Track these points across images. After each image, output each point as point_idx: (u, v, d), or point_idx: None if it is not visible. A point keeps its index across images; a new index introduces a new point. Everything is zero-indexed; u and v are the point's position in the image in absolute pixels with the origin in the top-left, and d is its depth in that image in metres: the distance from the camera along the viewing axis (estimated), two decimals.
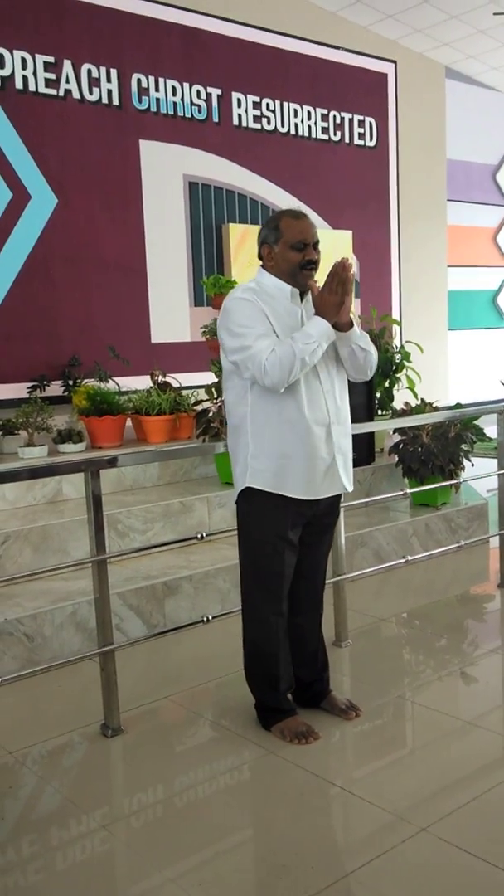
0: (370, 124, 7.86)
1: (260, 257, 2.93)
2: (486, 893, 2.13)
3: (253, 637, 3.01)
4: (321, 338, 2.73)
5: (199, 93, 6.57)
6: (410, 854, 2.29)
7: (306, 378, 2.79)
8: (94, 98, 5.99)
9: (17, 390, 5.61)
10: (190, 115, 6.54)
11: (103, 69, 6.02)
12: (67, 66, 5.84)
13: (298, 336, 2.72)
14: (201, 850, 2.37)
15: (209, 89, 6.63)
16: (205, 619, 3.36)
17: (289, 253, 2.82)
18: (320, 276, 2.85)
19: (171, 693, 3.41)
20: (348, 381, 3.03)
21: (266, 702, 3.03)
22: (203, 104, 6.60)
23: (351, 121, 7.68)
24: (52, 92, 5.79)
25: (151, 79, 6.28)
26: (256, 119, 6.96)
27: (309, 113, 7.33)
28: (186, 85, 6.49)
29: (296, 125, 7.25)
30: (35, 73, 5.68)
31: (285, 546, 2.89)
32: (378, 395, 6.11)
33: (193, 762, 2.87)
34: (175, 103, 6.43)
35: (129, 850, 2.42)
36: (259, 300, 2.81)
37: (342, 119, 7.60)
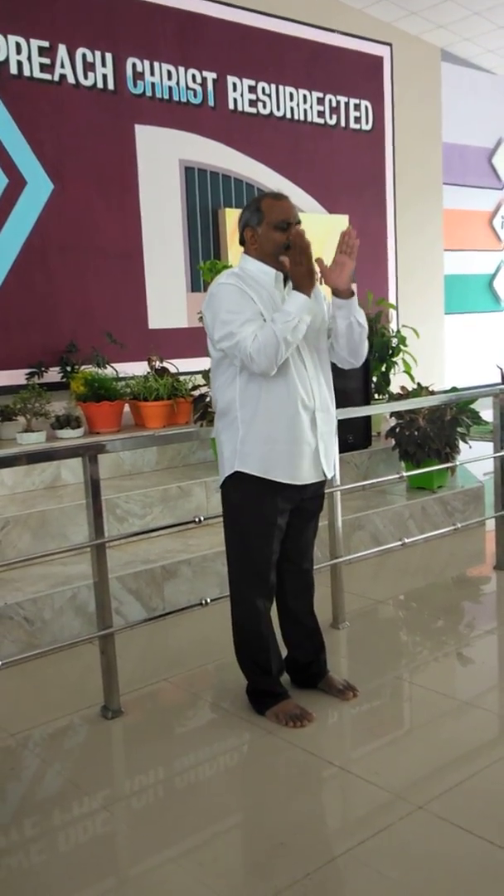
0: (366, 108, 7.84)
1: (242, 242, 2.92)
2: (482, 870, 2.16)
3: (241, 622, 3.02)
4: (301, 311, 2.72)
5: (194, 77, 6.54)
6: (407, 832, 2.32)
7: (294, 363, 2.80)
8: (89, 83, 5.97)
9: (16, 377, 5.62)
10: (186, 100, 6.51)
11: (98, 54, 5.99)
12: (62, 50, 5.81)
13: (278, 316, 2.71)
14: (201, 830, 2.40)
15: (205, 73, 6.60)
16: (203, 602, 3.39)
17: (272, 233, 2.82)
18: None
19: (170, 675, 3.45)
20: (343, 366, 3.03)
21: (258, 686, 3.05)
22: (199, 88, 6.58)
23: (347, 104, 7.66)
24: (47, 77, 5.76)
25: (147, 63, 6.25)
26: (252, 103, 6.93)
27: (305, 97, 7.30)
28: (182, 69, 6.46)
29: (292, 109, 7.22)
30: (30, 58, 5.66)
31: (273, 531, 2.91)
32: (375, 379, 6.13)
33: (193, 743, 2.91)
34: (171, 88, 6.41)
35: (129, 830, 2.45)
36: (244, 285, 2.81)
37: (338, 103, 7.58)
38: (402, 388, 5.67)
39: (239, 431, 2.84)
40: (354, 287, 2.96)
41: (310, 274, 2.74)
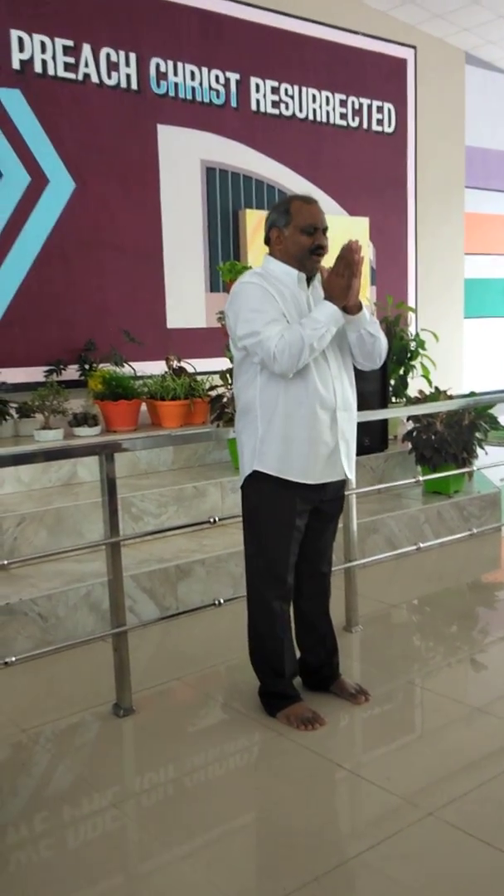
0: (389, 110, 7.82)
1: (267, 242, 2.92)
2: (491, 877, 2.15)
3: (257, 624, 3.03)
4: (329, 322, 2.73)
5: (217, 77, 6.55)
6: (417, 838, 2.32)
7: (315, 362, 2.80)
8: (112, 82, 5.99)
9: (34, 374, 5.65)
10: (208, 100, 6.52)
11: (122, 53, 6.01)
12: (86, 49, 5.84)
13: (307, 321, 2.72)
14: (210, 829, 2.41)
15: (228, 74, 6.61)
16: (216, 602, 3.40)
17: (299, 237, 2.82)
18: (329, 262, 2.85)
19: (182, 675, 3.45)
20: (361, 368, 3.03)
21: (271, 688, 3.05)
22: (221, 89, 6.59)
23: (370, 106, 7.64)
24: (71, 76, 5.79)
25: (170, 63, 6.27)
26: (275, 104, 6.93)
27: (327, 98, 7.30)
28: (205, 69, 6.47)
29: (314, 111, 7.22)
30: (54, 57, 5.69)
31: (292, 532, 2.90)
32: (392, 382, 6.11)
33: (203, 743, 2.91)
34: (193, 88, 6.42)
35: (139, 828, 2.46)
36: (268, 284, 2.81)
37: (360, 105, 7.57)
38: (420, 391, 5.65)
39: (258, 431, 2.84)
40: (374, 291, 2.96)
41: (348, 289, 2.73)
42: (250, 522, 2.98)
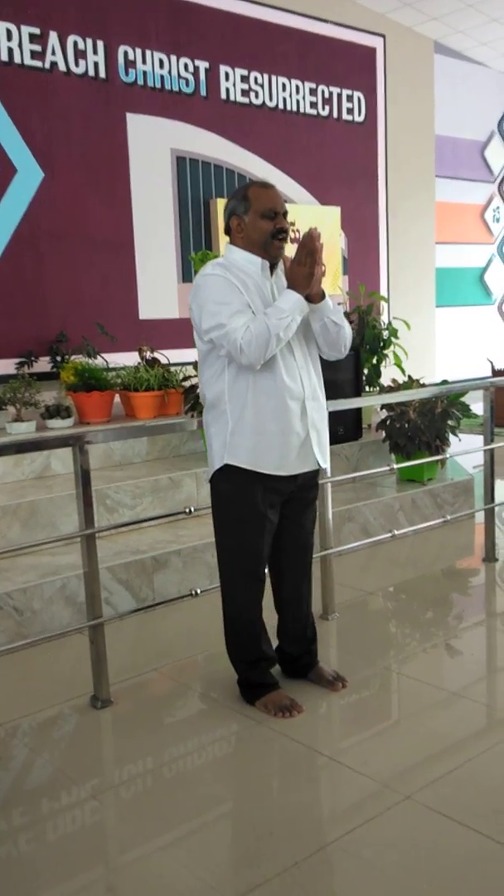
0: (359, 99, 7.83)
1: (227, 231, 2.90)
2: (469, 859, 2.17)
3: (231, 614, 3.02)
4: (294, 311, 2.72)
5: (186, 66, 6.52)
6: (395, 822, 2.33)
7: (281, 354, 2.79)
8: (80, 71, 5.94)
9: (5, 366, 5.61)
10: (178, 89, 6.49)
11: (90, 41, 5.96)
12: (53, 37, 5.78)
13: (271, 311, 2.71)
14: (190, 819, 2.41)
15: (197, 62, 6.58)
16: (193, 592, 3.39)
17: (260, 222, 2.81)
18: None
19: (159, 665, 3.45)
20: (326, 358, 3.03)
21: (249, 677, 3.05)
22: (191, 77, 6.56)
23: (339, 95, 7.65)
24: (38, 64, 5.73)
25: (139, 51, 6.23)
26: (244, 93, 6.91)
27: (297, 87, 7.29)
28: (174, 58, 6.44)
29: (284, 99, 7.21)
30: (20, 45, 5.63)
31: (264, 524, 2.90)
32: (365, 371, 6.13)
33: (182, 733, 2.91)
34: (162, 76, 6.38)
35: (118, 819, 2.45)
36: (230, 275, 2.80)
37: (331, 94, 7.56)
38: (393, 380, 5.67)
39: (228, 424, 2.82)
40: (346, 280, 2.96)
41: (310, 277, 2.73)
42: (221, 515, 2.96)
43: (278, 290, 2.84)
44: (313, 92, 7.42)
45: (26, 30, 5.64)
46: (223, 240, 6.57)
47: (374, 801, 2.43)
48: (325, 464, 2.98)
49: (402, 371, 6.17)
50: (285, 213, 2.84)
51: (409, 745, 2.76)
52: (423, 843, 2.23)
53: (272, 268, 2.88)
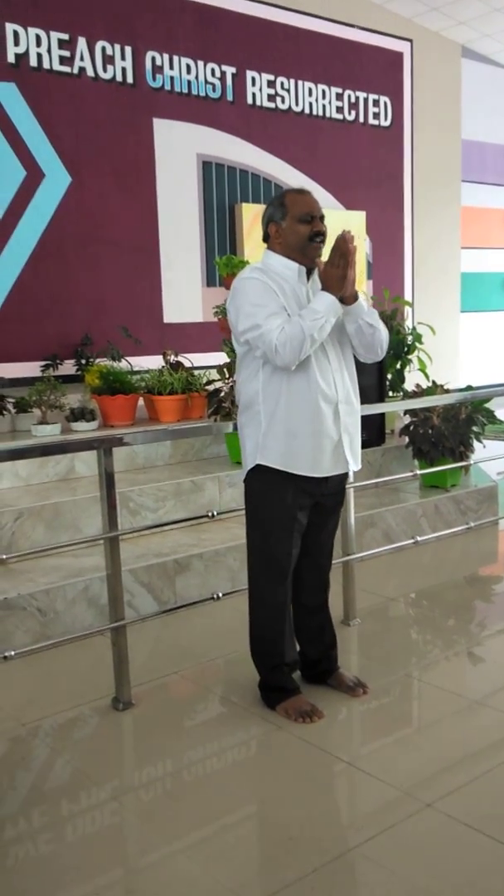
0: (385, 104, 7.81)
1: (265, 238, 2.95)
2: (490, 868, 2.16)
3: (258, 617, 3.04)
4: (328, 312, 2.74)
5: (213, 71, 6.53)
6: (415, 829, 2.32)
7: (315, 356, 2.81)
8: (108, 76, 5.98)
9: (31, 369, 5.64)
10: (204, 94, 6.51)
11: (118, 47, 6.00)
12: (82, 43, 5.82)
13: (306, 313, 2.73)
14: (210, 822, 2.41)
15: (223, 67, 6.59)
16: (215, 596, 3.40)
17: (297, 226, 2.84)
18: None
19: (181, 668, 3.46)
20: (360, 362, 3.04)
21: (270, 681, 3.05)
22: (217, 82, 6.57)
23: (366, 100, 7.63)
24: (67, 70, 5.77)
25: (166, 57, 6.25)
26: (271, 98, 6.92)
27: (323, 92, 7.28)
28: (201, 63, 6.46)
29: (310, 104, 7.21)
30: (49, 51, 5.67)
31: (294, 525, 2.91)
32: (389, 376, 6.12)
33: (202, 737, 2.91)
34: (189, 81, 6.41)
35: (138, 821, 2.46)
36: (268, 279, 2.82)
37: (357, 98, 7.55)
38: (417, 385, 5.66)
39: (262, 425, 2.85)
40: (370, 285, 2.97)
41: (344, 279, 2.75)
42: (253, 516, 2.98)
43: (314, 296, 2.85)
44: (339, 97, 7.41)
45: (55, 35, 5.68)
46: (248, 244, 6.64)
47: (395, 809, 2.42)
48: (357, 466, 2.99)
49: (427, 376, 6.15)
50: (322, 217, 2.87)
51: (430, 752, 2.74)
52: (443, 852, 2.22)
53: (308, 273, 2.89)
